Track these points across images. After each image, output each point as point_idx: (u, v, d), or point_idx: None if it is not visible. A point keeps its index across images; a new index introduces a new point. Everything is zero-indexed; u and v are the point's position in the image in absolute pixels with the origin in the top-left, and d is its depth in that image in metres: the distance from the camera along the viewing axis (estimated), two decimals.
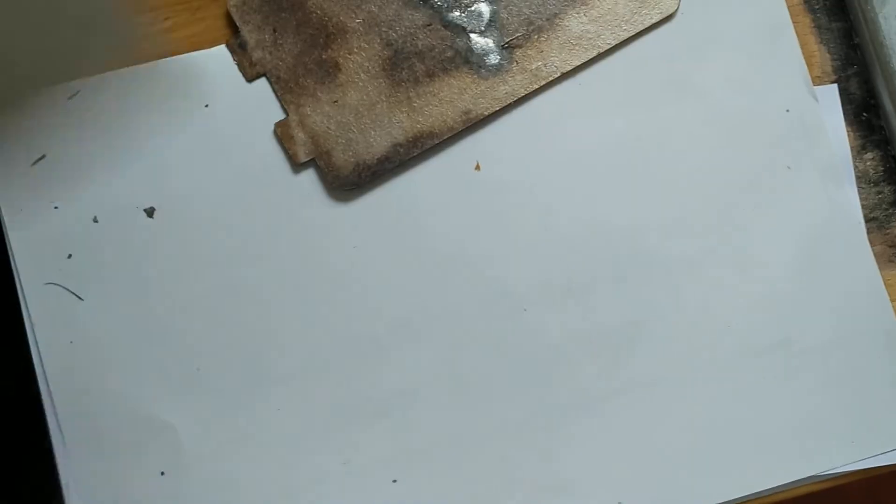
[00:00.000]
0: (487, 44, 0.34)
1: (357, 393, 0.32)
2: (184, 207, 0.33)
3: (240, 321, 0.32)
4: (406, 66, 0.34)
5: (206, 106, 0.34)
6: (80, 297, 0.32)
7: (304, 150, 0.33)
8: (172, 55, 0.34)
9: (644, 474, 0.32)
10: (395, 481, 0.32)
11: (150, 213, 0.33)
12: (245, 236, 0.33)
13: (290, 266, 0.33)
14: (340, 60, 0.34)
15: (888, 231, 0.34)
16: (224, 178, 0.33)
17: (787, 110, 0.34)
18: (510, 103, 0.34)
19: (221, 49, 0.34)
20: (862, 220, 0.34)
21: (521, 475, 0.32)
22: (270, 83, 0.34)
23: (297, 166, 0.33)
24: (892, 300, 0.34)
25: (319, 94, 0.34)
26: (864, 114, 0.35)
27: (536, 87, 0.34)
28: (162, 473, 0.31)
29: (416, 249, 0.33)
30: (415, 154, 0.33)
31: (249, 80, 0.34)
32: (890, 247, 0.34)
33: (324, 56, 0.34)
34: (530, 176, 0.34)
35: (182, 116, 0.33)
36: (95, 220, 0.33)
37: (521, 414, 0.32)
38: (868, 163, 0.35)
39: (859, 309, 0.33)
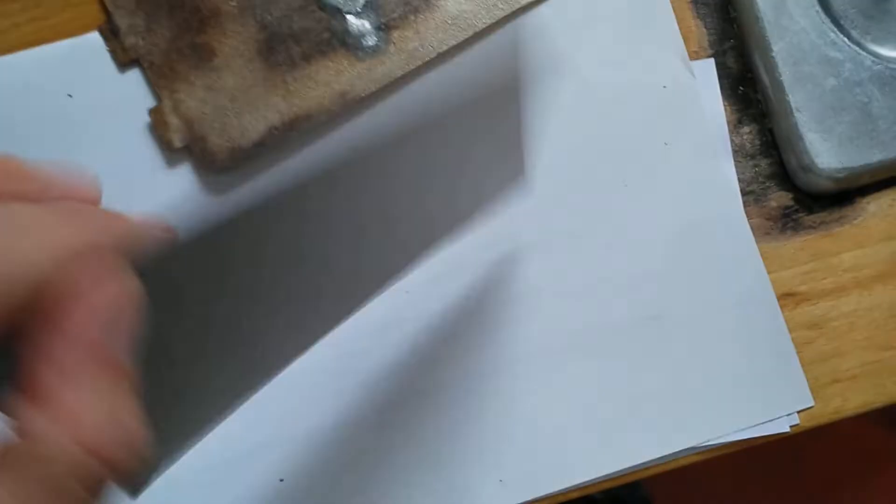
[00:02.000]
0: (364, 25, 0.34)
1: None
2: None
3: None
4: (282, 49, 0.34)
5: (70, 96, 0.33)
6: None
7: (178, 136, 0.33)
8: (44, 43, 0.33)
9: (522, 451, 0.32)
10: (281, 480, 0.32)
11: None
12: None
13: None
14: (215, 44, 0.33)
15: (765, 204, 0.35)
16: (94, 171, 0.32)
17: (664, 86, 0.34)
18: (388, 84, 0.34)
19: (93, 36, 0.34)
20: (739, 194, 0.34)
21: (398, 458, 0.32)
22: (143, 70, 0.34)
23: (171, 155, 0.33)
24: (769, 272, 0.34)
25: (193, 79, 0.33)
26: (741, 87, 0.36)
27: (413, 67, 0.34)
28: None
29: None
30: (292, 137, 0.33)
31: (122, 66, 0.34)
32: (767, 219, 0.35)
33: (198, 40, 0.33)
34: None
35: (46, 108, 0.33)
36: None
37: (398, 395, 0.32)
38: (745, 136, 0.35)
39: (738, 282, 0.34)
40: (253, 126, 0.33)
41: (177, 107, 0.33)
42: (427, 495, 0.32)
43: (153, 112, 0.33)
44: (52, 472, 0.16)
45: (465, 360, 0.33)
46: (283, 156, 0.34)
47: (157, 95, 0.33)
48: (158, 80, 0.33)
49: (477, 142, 0.31)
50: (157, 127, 0.33)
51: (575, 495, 0.33)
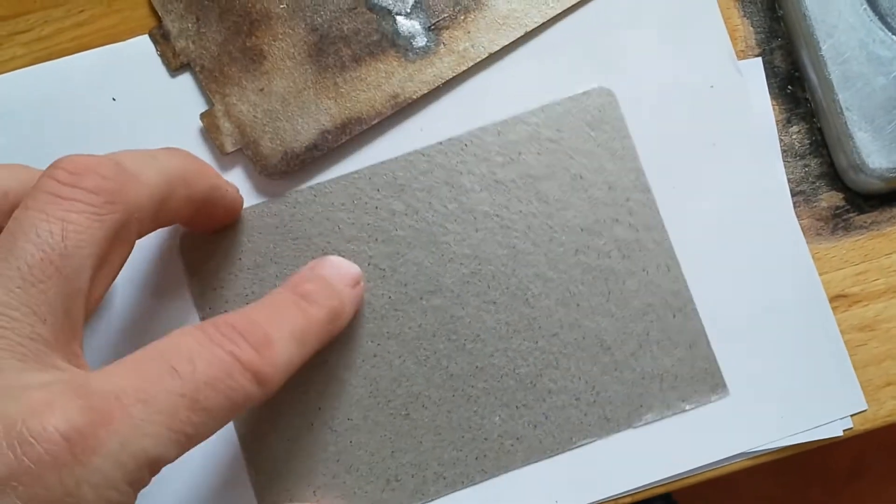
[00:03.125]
0: (413, 26, 0.34)
1: None
2: None
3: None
4: (332, 52, 0.34)
5: (114, 100, 0.33)
6: None
7: (230, 140, 0.33)
8: (89, 49, 0.34)
9: (572, 466, 0.32)
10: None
11: None
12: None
13: None
14: (265, 47, 0.33)
15: (815, 204, 0.35)
16: None
17: (712, 86, 0.34)
18: (439, 86, 0.34)
19: (141, 40, 0.34)
20: (789, 195, 0.34)
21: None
22: (194, 73, 0.34)
23: (224, 159, 0.33)
24: (820, 274, 0.34)
25: (245, 83, 0.33)
26: (790, 87, 0.35)
27: (465, 68, 0.34)
28: None
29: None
30: (343, 141, 0.33)
31: (174, 70, 0.34)
32: (817, 220, 0.34)
33: (248, 43, 0.34)
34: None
35: (91, 113, 0.33)
36: None
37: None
38: (794, 136, 0.35)
39: (789, 284, 0.33)
40: (305, 129, 0.33)
41: (229, 111, 0.33)
42: None
43: (205, 116, 0.33)
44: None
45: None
46: (336, 159, 0.34)
47: (209, 99, 0.34)
48: (210, 83, 0.34)
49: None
50: (210, 131, 0.33)
51: (626, 500, 0.33)
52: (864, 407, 0.33)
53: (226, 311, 0.33)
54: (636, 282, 0.33)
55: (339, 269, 0.31)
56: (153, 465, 0.22)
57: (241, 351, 0.24)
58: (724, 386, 0.33)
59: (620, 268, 0.33)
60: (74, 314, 0.24)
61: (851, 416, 0.33)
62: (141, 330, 0.33)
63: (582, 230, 0.33)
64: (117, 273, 0.26)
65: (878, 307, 0.34)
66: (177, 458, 0.23)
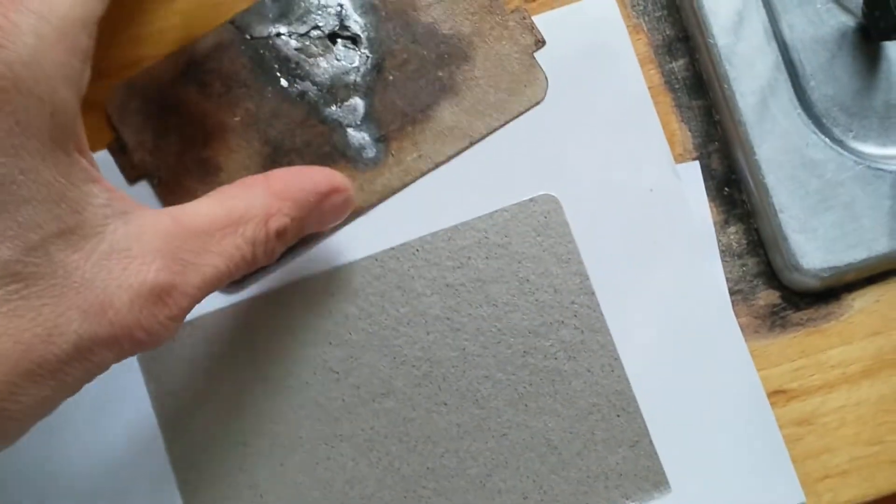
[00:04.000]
0: (364, 137, 0.35)
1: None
2: None
3: None
4: (286, 163, 0.35)
5: None
6: None
7: None
8: None
9: None
10: None
11: None
12: None
13: None
14: (221, 159, 0.35)
15: (753, 302, 0.36)
16: None
17: (651, 189, 0.35)
18: (386, 196, 0.35)
19: (101, 154, 0.35)
20: (727, 294, 0.35)
21: None
22: (152, 185, 0.35)
23: None
24: (759, 370, 0.35)
25: (200, 194, 0.34)
26: (727, 188, 0.37)
27: (412, 178, 0.35)
28: None
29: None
30: (297, 249, 0.34)
31: (131, 182, 0.35)
32: (755, 318, 0.36)
33: (204, 155, 0.35)
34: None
35: None
36: None
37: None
38: (731, 236, 0.36)
39: (728, 380, 0.34)
40: None
41: None
42: None
43: None
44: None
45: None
46: (286, 265, 0.35)
47: None
48: (167, 196, 0.35)
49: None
50: None
51: None
52: (803, 500, 0.35)
53: (184, 418, 0.33)
54: (581, 382, 0.35)
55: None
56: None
57: None
58: (667, 483, 0.34)
59: (566, 369, 0.35)
60: None
61: None
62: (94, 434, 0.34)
63: (529, 332, 0.35)
64: None
65: (815, 402, 0.36)
66: None
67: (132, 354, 0.25)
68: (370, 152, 0.35)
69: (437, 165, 0.36)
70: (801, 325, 0.36)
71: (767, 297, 0.37)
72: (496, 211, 0.36)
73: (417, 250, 0.35)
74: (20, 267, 0.22)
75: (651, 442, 0.34)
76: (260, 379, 0.34)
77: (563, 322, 0.35)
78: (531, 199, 0.36)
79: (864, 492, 0.35)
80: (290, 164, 0.35)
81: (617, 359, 0.35)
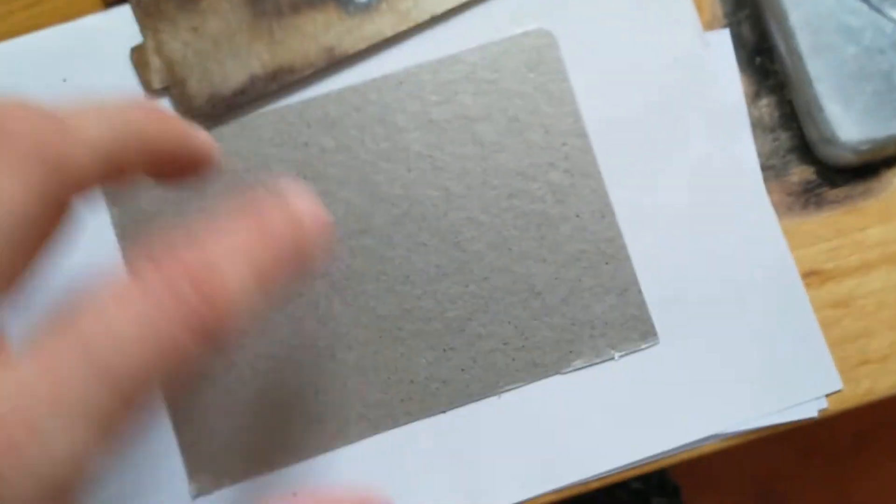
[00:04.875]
0: None
1: None
2: None
3: None
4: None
5: (64, 80, 0.33)
6: None
7: (158, 77, 0.33)
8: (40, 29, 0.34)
9: (545, 444, 0.32)
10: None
11: None
12: None
13: None
14: None
15: (785, 179, 0.34)
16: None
17: (676, 58, 0.33)
18: (377, 43, 0.33)
19: (91, 19, 0.34)
20: (758, 169, 0.33)
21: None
22: (131, 6, 0.33)
23: (151, 95, 0.33)
24: (792, 250, 0.33)
25: (179, 21, 0.33)
26: (758, 58, 0.35)
27: (405, 27, 0.33)
28: None
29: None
30: (273, 89, 0.33)
31: (108, 3, 0.33)
32: (788, 195, 0.34)
33: None
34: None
35: (46, 96, 0.33)
36: None
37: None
38: (763, 109, 0.34)
39: (760, 261, 0.32)
40: (234, 73, 0.33)
41: (159, 47, 0.33)
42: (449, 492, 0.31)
43: (135, 50, 0.33)
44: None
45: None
46: (263, 106, 0.33)
47: (143, 34, 0.33)
48: (144, 18, 0.33)
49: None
50: (139, 66, 0.33)
51: (595, 485, 0.32)
52: (840, 386, 0.32)
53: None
54: (570, 227, 0.33)
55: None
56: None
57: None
58: (655, 334, 0.32)
59: (554, 213, 0.33)
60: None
61: (826, 395, 0.32)
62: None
63: (516, 174, 0.33)
64: (50, 237, 0.21)
65: (852, 283, 0.34)
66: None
67: None
68: None
69: (433, 18, 0.34)
70: (837, 202, 0.34)
71: (801, 172, 0.34)
72: (486, 44, 0.34)
73: (401, 82, 0.33)
74: None
75: (640, 291, 0.32)
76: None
77: (552, 164, 0.33)
78: (524, 33, 0.34)
79: None
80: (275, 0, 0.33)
81: (608, 205, 0.33)
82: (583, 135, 0.33)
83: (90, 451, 0.18)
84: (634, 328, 0.32)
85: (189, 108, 0.33)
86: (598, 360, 0.32)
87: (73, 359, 0.18)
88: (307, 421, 0.32)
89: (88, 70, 0.33)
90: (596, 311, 0.32)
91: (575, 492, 0.32)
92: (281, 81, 0.33)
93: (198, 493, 0.31)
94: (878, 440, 1.06)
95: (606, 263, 0.33)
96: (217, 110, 0.33)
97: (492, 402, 0.32)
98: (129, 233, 0.33)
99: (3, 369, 0.18)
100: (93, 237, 0.33)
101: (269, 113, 0.33)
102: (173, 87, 0.33)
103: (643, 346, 0.32)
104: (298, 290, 0.32)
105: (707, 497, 1.05)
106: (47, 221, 0.21)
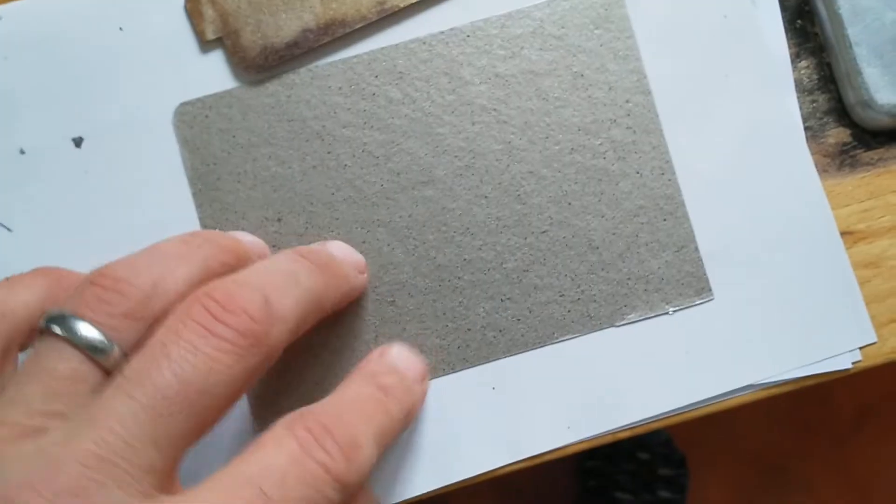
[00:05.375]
0: None
1: None
2: (111, 134, 0.33)
3: None
4: None
5: (120, 29, 0.33)
6: (8, 229, 0.32)
7: (212, 27, 0.33)
8: None
9: (583, 392, 0.32)
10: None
11: (77, 142, 0.33)
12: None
13: None
14: None
15: (822, 140, 0.34)
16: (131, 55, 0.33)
17: (725, 16, 0.33)
18: None
19: None
20: (801, 127, 0.34)
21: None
22: None
23: (205, 46, 0.33)
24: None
25: None
26: (799, 21, 0.35)
27: None
28: None
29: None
30: (325, 41, 0.33)
31: None
32: (824, 156, 0.34)
33: None
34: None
35: (102, 45, 0.33)
36: (22, 152, 0.33)
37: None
38: (802, 71, 0.34)
39: (800, 217, 0.33)
40: (287, 25, 0.33)
41: None
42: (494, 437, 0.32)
43: (190, 0, 0.33)
44: None
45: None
46: (315, 60, 0.33)
47: None
48: None
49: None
50: (193, 16, 0.33)
51: (624, 435, 0.33)
52: (875, 339, 0.33)
53: (218, 190, 0.33)
54: (629, 184, 0.33)
55: (410, 362, 0.30)
56: None
57: (333, 462, 0.23)
58: (710, 290, 0.33)
59: (615, 169, 0.33)
60: (189, 445, 0.23)
61: (860, 348, 0.33)
62: (129, 202, 0.33)
63: (579, 129, 0.33)
64: (237, 401, 0.25)
65: (883, 244, 0.34)
66: None
67: None
68: None
69: None
70: (872, 164, 0.34)
71: (838, 134, 0.35)
72: (555, 0, 0.34)
73: (468, 36, 0.34)
74: None
75: (697, 248, 0.33)
76: (297, 157, 0.33)
77: (615, 121, 0.33)
78: None
79: None
80: None
81: (668, 162, 0.33)
82: (646, 92, 0.33)
83: None
84: (689, 284, 0.33)
85: (242, 60, 0.33)
86: (651, 315, 0.33)
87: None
88: None
89: (144, 20, 0.34)
90: (652, 266, 0.33)
91: (607, 440, 0.33)
92: (333, 34, 0.33)
93: (260, 430, 0.33)
94: (879, 416, 1.07)
95: (664, 220, 0.33)
96: (270, 62, 0.33)
97: (546, 351, 0.33)
98: (201, 175, 0.34)
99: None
100: (166, 181, 0.33)
101: (338, 62, 0.34)
102: (226, 38, 0.33)
103: (697, 302, 0.33)
104: (361, 239, 0.33)
105: (711, 471, 1.07)
106: (245, 390, 0.25)
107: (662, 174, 0.33)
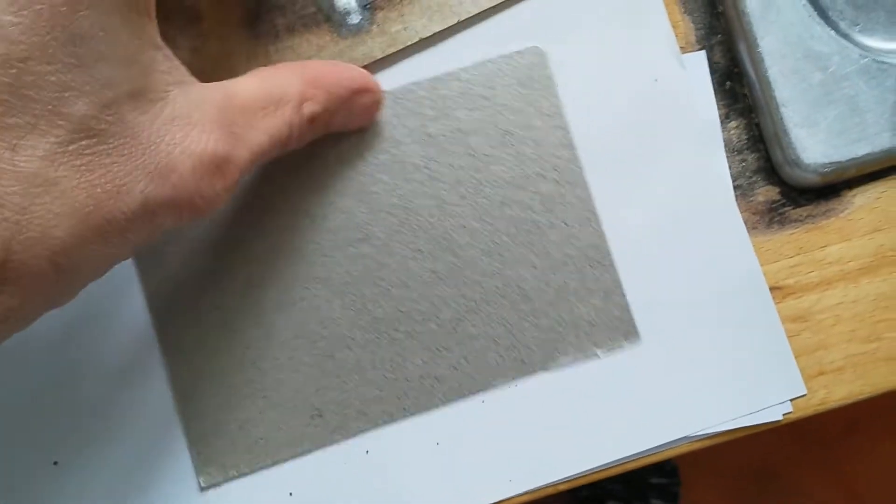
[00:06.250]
0: (349, 3, 0.35)
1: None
2: None
3: None
4: (267, 20, 0.35)
5: None
6: None
7: None
8: None
9: (523, 449, 0.34)
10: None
11: None
12: None
13: None
14: (202, 8, 0.35)
15: (751, 198, 0.35)
16: None
17: (656, 80, 0.35)
18: (367, 65, 0.35)
19: None
20: (731, 186, 0.35)
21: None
22: None
23: None
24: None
25: (180, 41, 0.35)
26: (728, 82, 0.36)
27: (394, 50, 0.35)
28: None
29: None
30: None
31: None
32: (753, 214, 0.35)
33: (187, 3, 0.35)
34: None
35: None
36: None
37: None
38: (732, 131, 0.36)
39: (731, 273, 0.34)
40: None
41: None
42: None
43: None
44: None
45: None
46: None
47: None
48: None
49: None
50: None
51: (563, 487, 0.34)
52: (804, 391, 0.34)
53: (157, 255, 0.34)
54: (557, 234, 0.35)
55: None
56: None
57: None
58: (637, 333, 0.34)
59: (543, 221, 0.35)
60: None
61: (791, 400, 0.34)
62: None
63: (508, 183, 0.35)
64: None
65: (811, 298, 0.35)
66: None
67: (187, 221, 0.26)
68: (355, 18, 0.35)
69: (421, 41, 0.35)
70: (800, 221, 0.36)
71: (766, 193, 0.36)
72: (482, 62, 0.36)
73: (399, 98, 0.35)
74: (94, 123, 0.23)
75: (623, 294, 0.34)
76: (234, 220, 0.34)
77: (542, 175, 0.35)
78: (518, 52, 0.36)
79: (858, 389, 0.35)
80: (272, 21, 0.35)
81: (594, 212, 0.35)
82: (570, 146, 0.35)
83: None
84: (617, 329, 0.34)
85: None
86: (582, 357, 0.34)
87: None
88: (308, 416, 0.34)
89: None
90: (581, 312, 0.34)
91: (561, 488, 0.34)
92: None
93: (207, 486, 0.33)
94: (870, 423, 1.08)
95: (591, 267, 0.34)
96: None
97: (482, 398, 0.34)
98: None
99: None
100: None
101: None
102: None
103: (626, 345, 0.34)
104: (300, 296, 0.34)
105: (704, 478, 1.07)
106: None
107: (589, 223, 0.35)
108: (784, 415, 0.34)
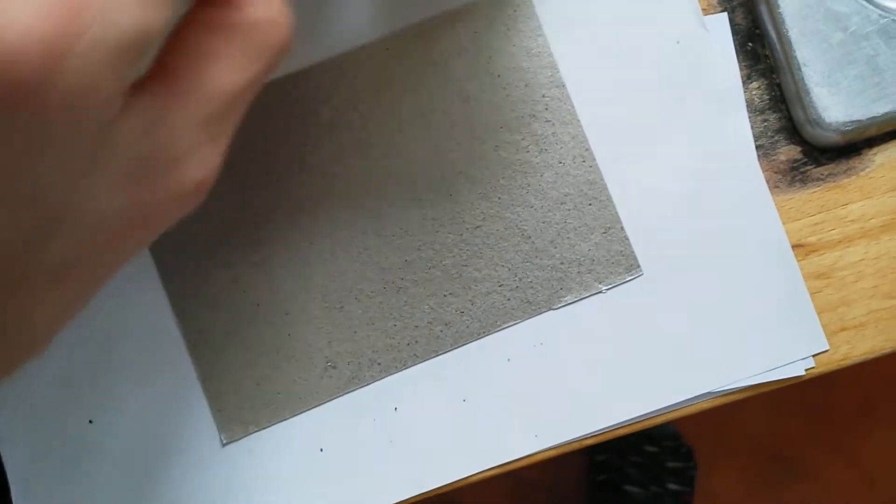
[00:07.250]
0: None
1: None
2: None
3: None
4: None
5: None
6: None
7: None
8: None
9: (550, 403, 0.35)
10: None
11: None
12: None
13: None
14: None
15: (773, 158, 0.36)
16: None
17: (678, 42, 0.35)
18: None
19: None
20: (753, 146, 0.35)
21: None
22: None
23: None
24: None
25: None
26: (750, 43, 0.36)
27: None
28: None
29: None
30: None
31: None
32: (775, 173, 0.36)
33: None
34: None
35: None
36: None
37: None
38: (754, 92, 0.36)
39: (753, 231, 0.35)
40: None
41: None
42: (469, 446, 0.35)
43: None
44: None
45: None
46: None
47: None
48: None
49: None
50: None
51: (589, 442, 0.35)
52: (826, 347, 0.35)
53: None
54: (553, 174, 0.35)
55: None
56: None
57: None
58: (638, 266, 0.35)
59: (538, 161, 0.35)
60: None
61: (813, 356, 0.35)
62: None
63: (500, 127, 0.35)
64: None
65: (833, 256, 0.36)
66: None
67: None
68: None
69: None
70: (821, 180, 0.36)
71: (788, 152, 0.37)
72: (466, 5, 0.36)
73: (387, 48, 0.35)
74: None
75: (622, 228, 0.35)
76: (238, 175, 0.35)
77: (534, 115, 0.35)
78: None
79: (880, 344, 0.36)
80: None
81: (588, 149, 0.35)
82: (560, 85, 0.35)
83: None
84: (619, 262, 0.35)
85: None
86: (586, 295, 0.35)
87: None
88: (321, 368, 0.34)
89: None
90: (582, 249, 0.35)
91: (587, 443, 0.35)
92: None
93: (228, 441, 0.34)
94: (883, 406, 1.10)
95: (590, 204, 0.35)
96: None
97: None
98: None
99: None
100: None
101: (272, 84, 0.35)
102: None
103: (628, 278, 0.35)
104: (306, 251, 0.35)
105: (720, 462, 1.09)
106: None
107: (584, 161, 0.35)
108: (807, 370, 0.35)
